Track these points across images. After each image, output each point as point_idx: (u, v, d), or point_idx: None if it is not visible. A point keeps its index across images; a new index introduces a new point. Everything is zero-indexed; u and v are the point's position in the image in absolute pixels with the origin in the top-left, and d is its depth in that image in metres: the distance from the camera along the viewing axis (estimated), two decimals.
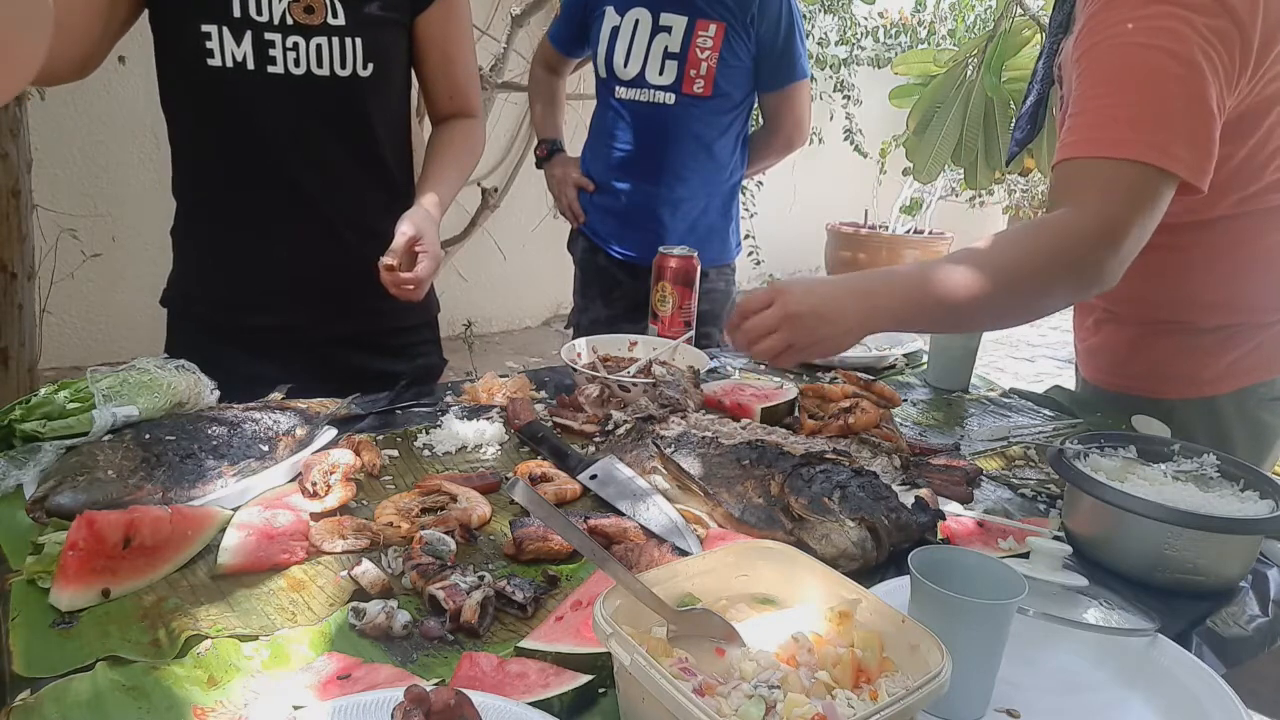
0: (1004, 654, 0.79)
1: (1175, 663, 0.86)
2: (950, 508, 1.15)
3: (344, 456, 1.13)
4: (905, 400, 1.58)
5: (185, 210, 1.52)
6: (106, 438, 1.10)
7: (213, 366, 1.28)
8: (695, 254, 1.74)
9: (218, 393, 1.26)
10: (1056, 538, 1.06)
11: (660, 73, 2.07)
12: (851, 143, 6.15)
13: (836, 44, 6.09)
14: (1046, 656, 0.88)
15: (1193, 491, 1.06)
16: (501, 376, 1.54)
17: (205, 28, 1.32)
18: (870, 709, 0.64)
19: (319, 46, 1.37)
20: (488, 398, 1.45)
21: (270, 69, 1.36)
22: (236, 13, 1.33)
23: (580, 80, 3.79)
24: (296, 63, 1.37)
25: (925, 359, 1.78)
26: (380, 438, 1.28)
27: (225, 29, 1.33)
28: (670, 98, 2.08)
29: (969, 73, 3.14)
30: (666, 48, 2.05)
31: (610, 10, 2.09)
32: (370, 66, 1.42)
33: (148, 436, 1.09)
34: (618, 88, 2.13)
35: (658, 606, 0.75)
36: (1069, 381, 1.75)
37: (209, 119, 1.41)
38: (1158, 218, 1.11)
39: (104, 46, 1.33)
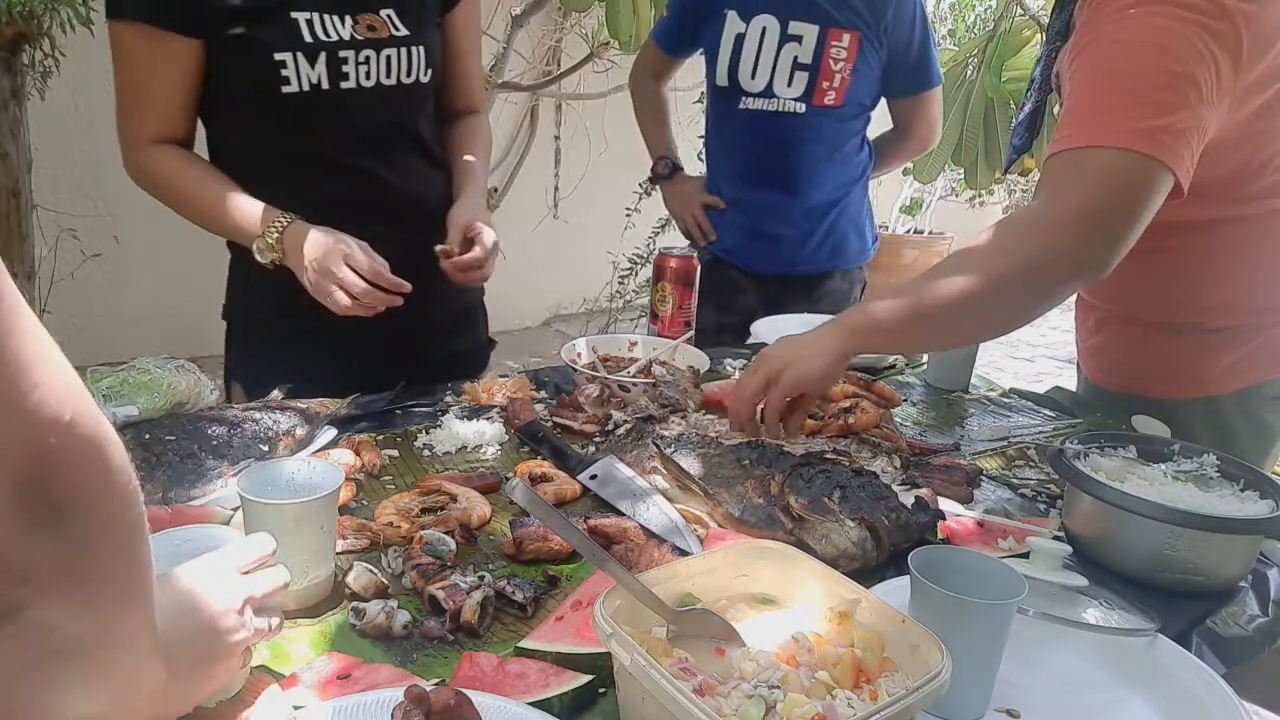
0: (1004, 654, 0.79)
1: (1175, 663, 0.86)
2: (950, 508, 1.15)
3: (344, 456, 1.13)
4: (905, 400, 1.58)
5: None
6: None
7: (279, 373, 1.34)
8: (695, 254, 1.74)
9: (217, 393, 1.26)
10: (1056, 538, 1.06)
11: (789, 84, 1.96)
12: None
13: None
14: (1046, 656, 0.88)
15: (1193, 491, 1.06)
16: (501, 376, 1.54)
17: (279, 56, 1.34)
18: (870, 709, 0.64)
19: (389, 58, 1.42)
20: (488, 398, 1.45)
21: (343, 85, 1.40)
22: (308, 38, 1.35)
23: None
24: (368, 76, 1.41)
25: (925, 359, 1.78)
26: (380, 438, 1.28)
27: (299, 54, 1.35)
28: (801, 107, 1.98)
29: (969, 73, 3.14)
30: (796, 58, 1.94)
31: (733, 15, 1.97)
32: (430, 72, 1.48)
33: (148, 436, 1.09)
34: (743, 99, 2.03)
35: (658, 606, 0.75)
36: (1068, 381, 1.75)
37: (277, 139, 1.43)
38: (1147, 206, 1.08)
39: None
